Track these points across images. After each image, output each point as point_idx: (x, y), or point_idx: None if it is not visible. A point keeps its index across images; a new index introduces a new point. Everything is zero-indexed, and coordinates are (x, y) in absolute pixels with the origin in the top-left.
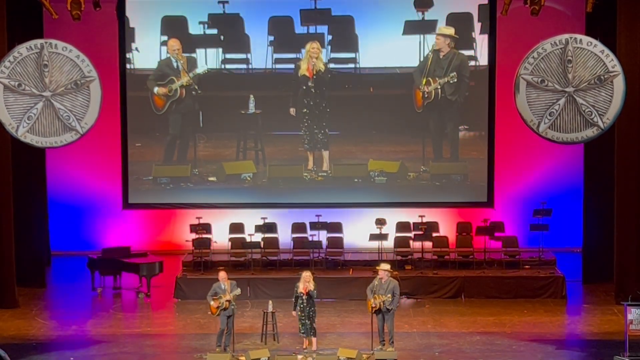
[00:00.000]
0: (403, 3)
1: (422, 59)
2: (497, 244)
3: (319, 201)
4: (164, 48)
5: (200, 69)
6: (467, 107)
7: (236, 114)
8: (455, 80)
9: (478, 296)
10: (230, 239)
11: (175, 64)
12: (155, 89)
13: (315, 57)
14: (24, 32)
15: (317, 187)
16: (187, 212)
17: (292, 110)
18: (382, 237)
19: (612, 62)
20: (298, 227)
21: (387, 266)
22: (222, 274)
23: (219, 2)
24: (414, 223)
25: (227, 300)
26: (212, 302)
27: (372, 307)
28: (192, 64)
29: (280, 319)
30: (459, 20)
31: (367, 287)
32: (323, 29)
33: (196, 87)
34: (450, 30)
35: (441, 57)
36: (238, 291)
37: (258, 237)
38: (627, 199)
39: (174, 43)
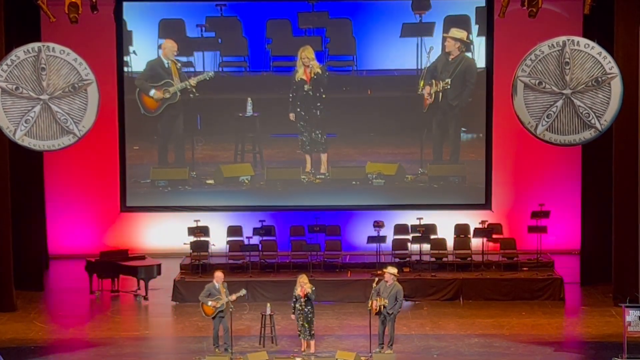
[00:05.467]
0: (400, 5)
1: (426, 61)
2: (495, 246)
3: (317, 204)
4: (161, 51)
5: (206, 74)
6: (465, 110)
7: (234, 117)
8: (449, 87)
9: (476, 298)
10: (229, 242)
11: (167, 65)
12: (152, 92)
13: (309, 63)
14: (22, 35)
15: (315, 190)
16: (185, 215)
17: (292, 116)
18: (380, 239)
19: (609, 64)
20: (296, 230)
21: (394, 270)
22: (219, 274)
23: (216, 5)
24: (412, 225)
25: (227, 302)
26: (209, 303)
27: (375, 309)
28: (185, 67)
29: (278, 322)
30: (456, 23)
31: (366, 289)
32: (321, 31)
33: (194, 90)
34: (462, 34)
35: (450, 60)
36: (243, 292)
37: (256, 240)
38: (625, 200)
39: (170, 44)
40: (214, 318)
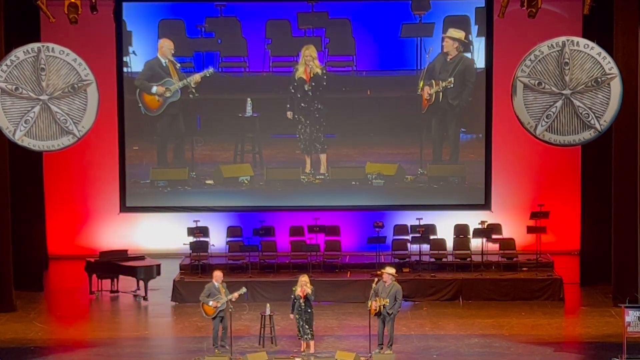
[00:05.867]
0: (400, 6)
1: (425, 62)
2: (494, 246)
3: (316, 204)
4: (158, 50)
5: (207, 72)
6: (465, 110)
7: (234, 117)
8: (452, 86)
9: (476, 298)
10: (228, 242)
11: (164, 64)
12: (154, 89)
13: (310, 62)
14: (21, 35)
15: (314, 190)
16: (184, 215)
17: (290, 114)
18: (380, 239)
19: (609, 64)
20: (296, 230)
21: (392, 270)
22: (218, 274)
23: (216, 5)
24: (411, 226)
25: (228, 301)
26: (210, 303)
27: (374, 310)
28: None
29: (278, 322)
30: (456, 23)
31: (365, 290)
32: (320, 32)
33: (193, 90)
34: (460, 34)
35: (448, 60)
36: (243, 290)
37: (256, 241)
38: (625, 200)
39: (167, 43)
40: (214, 318)
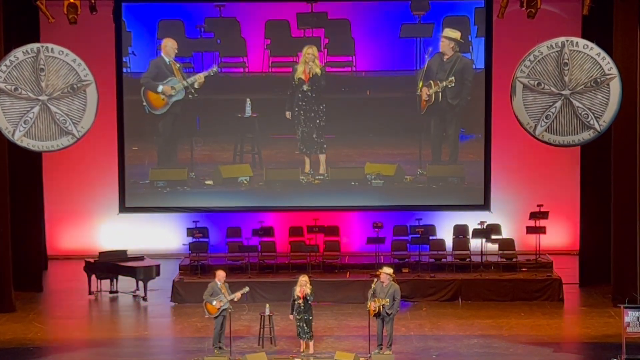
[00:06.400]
0: (400, 6)
1: (425, 62)
2: (494, 246)
3: (316, 204)
4: (161, 50)
5: (211, 70)
6: (464, 110)
7: (233, 118)
8: (453, 84)
9: (475, 299)
10: (228, 243)
11: (168, 63)
12: (160, 87)
13: (311, 61)
14: (21, 36)
15: (314, 191)
16: (184, 216)
17: (288, 114)
18: (379, 240)
19: (608, 64)
20: (295, 231)
21: (389, 270)
22: (221, 273)
23: (215, 6)
24: (411, 226)
25: (231, 300)
26: (214, 302)
27: (373, 311)
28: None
29: (277, 322)
30: (455, 24)
31: (364, 290)
32: (319, 32)
33: (193, 91)
34: (456, 34)
35: (445, 60)
36: (246, 289)
37: (255, 241)
38: (624, 201)
39: (171, 42)
40: (216, 317)
